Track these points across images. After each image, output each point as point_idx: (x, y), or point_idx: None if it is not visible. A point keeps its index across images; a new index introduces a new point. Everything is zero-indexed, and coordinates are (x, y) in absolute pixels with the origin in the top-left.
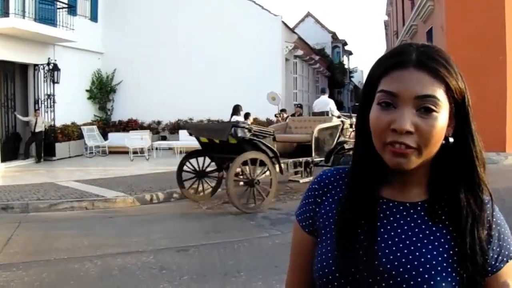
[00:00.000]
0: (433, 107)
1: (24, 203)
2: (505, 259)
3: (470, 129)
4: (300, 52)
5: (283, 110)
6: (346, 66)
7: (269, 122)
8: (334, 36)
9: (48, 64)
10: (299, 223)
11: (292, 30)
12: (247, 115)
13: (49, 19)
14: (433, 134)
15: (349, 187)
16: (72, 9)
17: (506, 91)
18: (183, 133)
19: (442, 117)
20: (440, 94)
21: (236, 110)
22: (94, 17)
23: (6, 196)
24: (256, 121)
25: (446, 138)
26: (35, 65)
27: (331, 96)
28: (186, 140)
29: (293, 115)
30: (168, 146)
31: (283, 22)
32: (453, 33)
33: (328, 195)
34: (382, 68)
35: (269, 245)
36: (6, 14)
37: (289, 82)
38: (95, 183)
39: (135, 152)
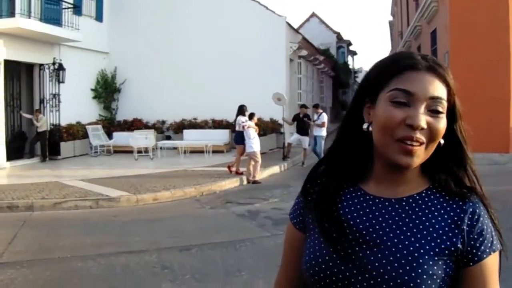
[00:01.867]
0: (441, 109)
1: (28, 202)
2: (487, 250)
3: (461, 132)
4: (304, 53)
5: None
6: (350, 67)
7: (273, 122)
8: (338, 36)
9: (54, 63)
10: (291, 220)
11: (296, 31)
12: (251, 115)
13: (55, 19)
14: (440, 132)
15: (324, 183)
16: (77, 9)
17: (510, 91)
18: (187, 133)
19: (445, 118)
20: (446, 97)
21: (241, 110)
22: (99, 17)
23: (11, 195)
24: (260, 121)
25: None
26: (41, 64)
27: (335, 97)
28: (190, 140)
29: (297, 115)
30: (172, 146)
31: (287, 22)
32: (457, 33)
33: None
34: (396, 67)
35: (271, 245)
36: (12, 14)
37: (293, 83)
38: (99, 182)
39: (139, 152)
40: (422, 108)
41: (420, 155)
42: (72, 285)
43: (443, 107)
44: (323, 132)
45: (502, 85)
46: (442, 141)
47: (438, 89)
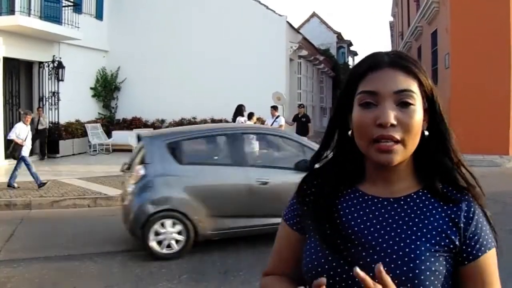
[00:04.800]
0: (410, 101)
1: (26, 200)
2: (482, 248)
3: (442, 122)
4: (304, 53)
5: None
6: (351, 67)
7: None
8: (339, 36)
9: (53, 61)
10: (286, 222)
11: (297, 30)
12: (250, 115)
13: (55, 17)
14: (413, 125)
15: (320, 186)
16: (77, 7)
17: (510, 93)
18: None
19: (418, 109)
20: (415, 88)
21: (240, 110)
22: (99, 15)
23: (9, 193)
24: (259, 121)
25: (421, 131)
26: (40, 62)
27: (335, 97)
28: None
29: (296, 115)
30: None
31: (288, 22)
32: (457, 35)
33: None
34: (359, 71)
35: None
36: (11, 11)
37: (293, 82)
38: (98, 180)
39: None
40: (389, 105)
41: (399, 152)
42: (69, 284)
43: (412, 98)
44: None
45: (502, 86)
46: (426, 133)
47: (402, 82)
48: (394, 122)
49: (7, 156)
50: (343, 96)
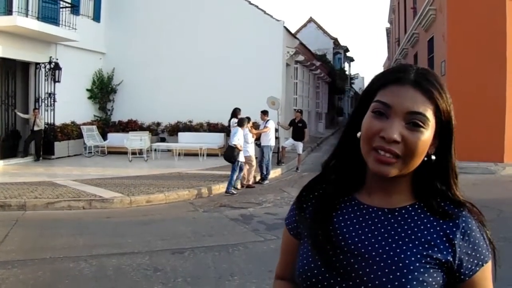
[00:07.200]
0: (421, 123)
1: (21, 201)
2: (480, 263)
3: (451, 148)
4: (301, 58)
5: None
6: (347, 73)
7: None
8: (336, 42)
9: (50, 62)
10: (286, 226)
11: (293, 36)
12: (247, 119)
13: (52, 18)
14: (418, 147)
15: (319, 192)
16: (75, 8)
17: (505, 101)
18: (182, 135)
19: (427, 134)
20: (430, 113)
21: (234, 113)
22: (96, 17)
23: (4, 194)
24: (255, 126)
25: (428, 155)
26: (37, 63)
27: (331, 102)
28: (185, 142)
29: (292, 120)
30: (167, 148)
31: (285, 27)
32: (454, 42)
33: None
34: (381, 81)
35: (263, 249)
36: (9, 12)
37: (289, 87)
38: (93, 183)
39: (133, 153)
40: (398, 122)
41: (397, 166)
42: (63, 286)
43: (424, 122)
44: (271, 141)
45: (498, 94)
46: (433, 157)
47: (419, 105)
48: (398, 139)
49: (2, 157)
50: (362, 99)
